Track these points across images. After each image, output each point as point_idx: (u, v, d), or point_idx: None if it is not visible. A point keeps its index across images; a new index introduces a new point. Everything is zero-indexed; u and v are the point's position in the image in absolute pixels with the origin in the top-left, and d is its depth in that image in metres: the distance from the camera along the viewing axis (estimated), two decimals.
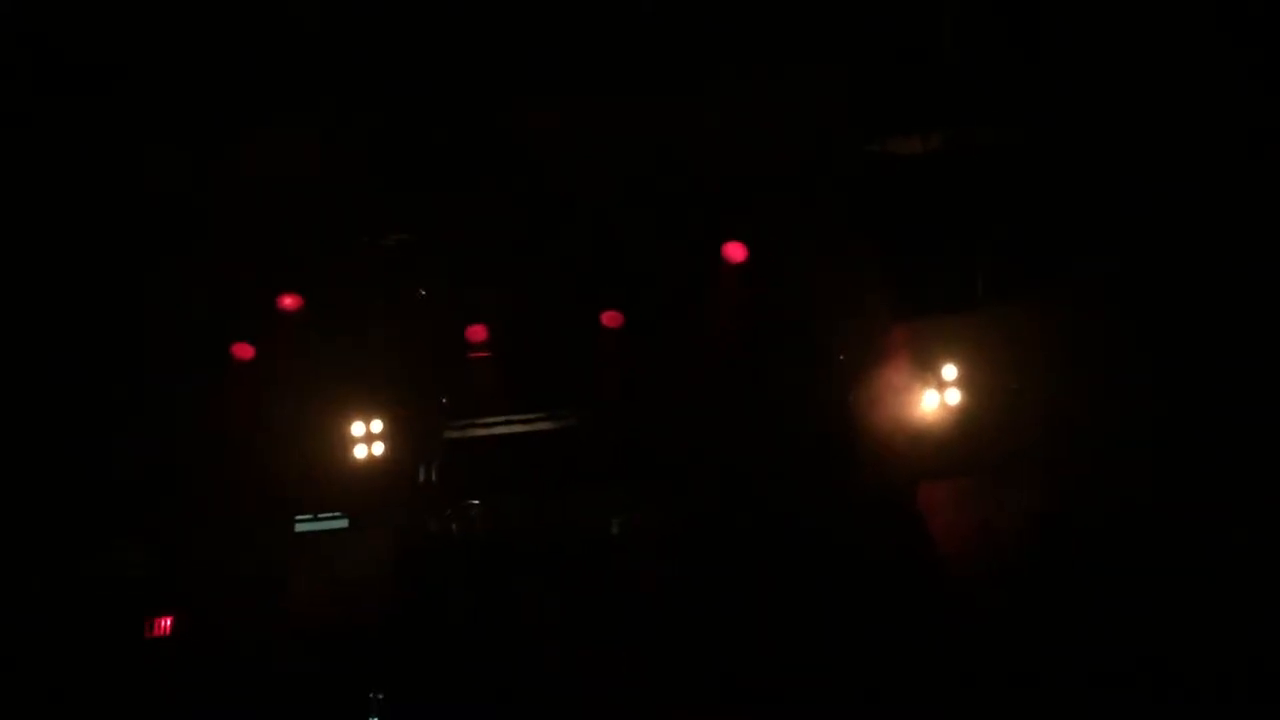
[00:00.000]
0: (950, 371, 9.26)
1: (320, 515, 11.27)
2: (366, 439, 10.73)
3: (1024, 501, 8.57)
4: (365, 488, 10.74)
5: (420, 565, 9.62)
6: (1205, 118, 7.37)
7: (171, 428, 9.90)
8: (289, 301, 9.57)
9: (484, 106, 8.11)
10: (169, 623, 9.92)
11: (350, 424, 10.70)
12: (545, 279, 9.89)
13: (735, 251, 9.18)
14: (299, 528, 11.00)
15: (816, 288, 9.49)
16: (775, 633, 8.85)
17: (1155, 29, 7.61)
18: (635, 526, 8.81)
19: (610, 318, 9.81)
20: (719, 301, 9.55)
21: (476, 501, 10.57)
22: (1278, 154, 7.09)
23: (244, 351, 9.97)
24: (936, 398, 9.27)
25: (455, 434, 11.37)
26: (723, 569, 9.51)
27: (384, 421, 10.72)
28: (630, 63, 8.00)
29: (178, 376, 9.99)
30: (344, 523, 11.10)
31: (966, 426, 9.13)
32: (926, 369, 9.25)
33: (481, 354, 10.47)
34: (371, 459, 10.73)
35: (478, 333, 10.09)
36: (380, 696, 6.44)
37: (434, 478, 11.27)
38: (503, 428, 11.25)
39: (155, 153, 8.19)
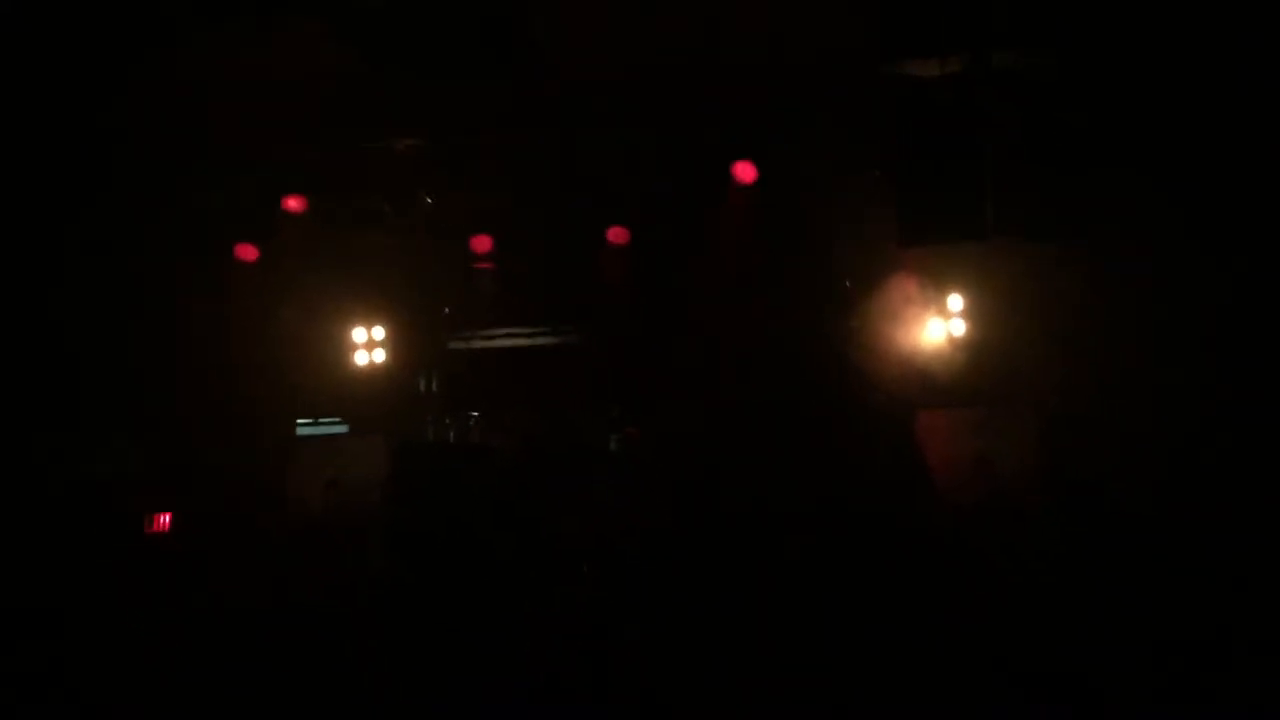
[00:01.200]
0: (956, 302, 9.21)
1: (320, 420, 11.34)
2: (368, 345, 10.75)
3: (1021, 438, 8.53)
4: (365, 394, 10.78)
5: (416, 473, 9.63)
6: (1233, 48, 7.19)
7: (174, 328, 9.87)
8: (294, 203, 9.49)
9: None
10: (168, 519, 9.97)
11: (352, 330, 10.71)
12: (553, 192, 9.79)
13: (745, 171, 9.06)
14: (299, 431, 11.07)
15: (826, 212, 9.40)
16: (765, 561, 8.88)
17: None
18: (634, 443, 8.79)
19: (616, 234, 9.72)
20: (727, 221, 9.46)
21: (476, 413, 10.59)
22: None
23: (248, 253, 9.91)
24: (941, 327, 9.23)
25: (457, 344, 11.38)
26: (719, 490, 9.52)
27: (386, 329, 10.72)
28: None
29: (182, 276, 9.96)
30: (344, 428, 11.16)
31: (969, 358, 9.10)
32: (933, 298, 9.20)
33: (486, 265, 10.42)
34: (372, 366, 10.76)
35: (483, 243, 10.01)
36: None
37: (434, 387, 11.30)
38: (505, 340, 11.25)
39: (156, 53, 8.04)
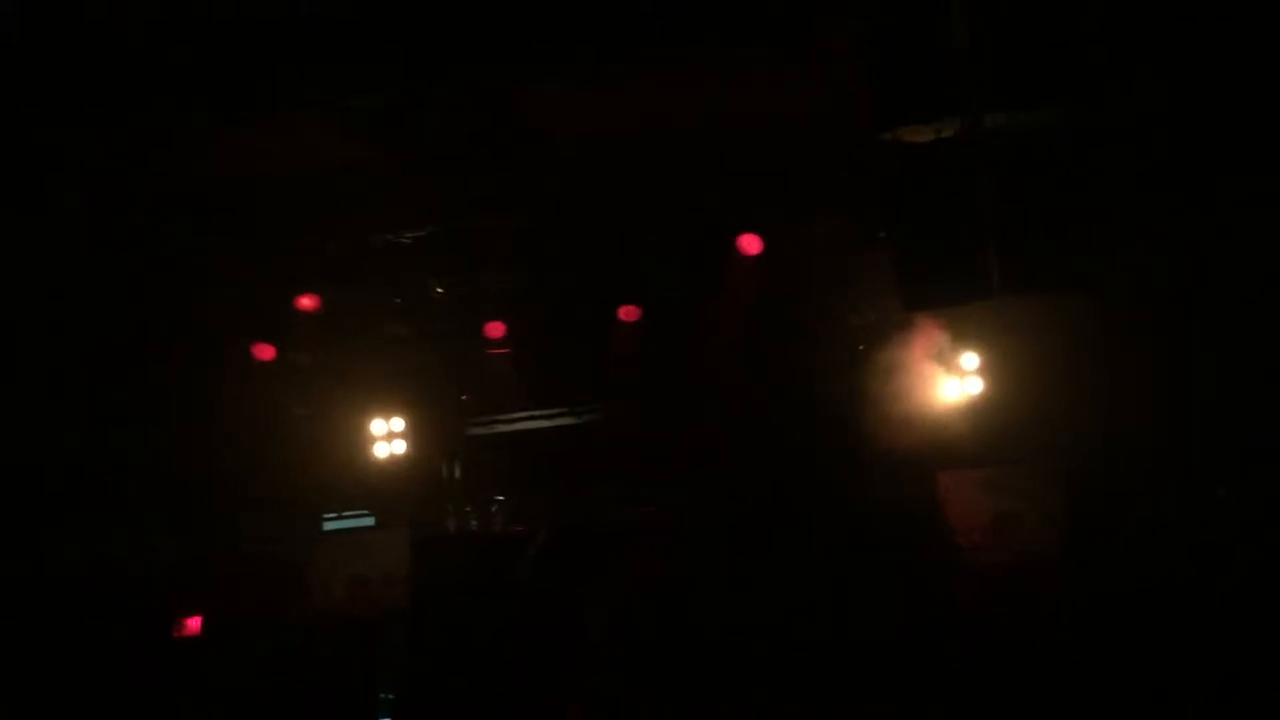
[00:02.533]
0: (970, 360, 9.18)
1: (345, 514, 11.38)
2: (388, 437, 10.79)
3: (1043, 495, 8.46)
4: (388, 485, 10.80)
5: (440, 562, 9.63)
6: (1225, 106, 7.21)
7: (196, 428, 9.97)
8: (307, 301, 9.60)
9: (495, 91, 8.03)
10: (198, 623, 10.01)
11: (371, 422, 10.77)
12: (562, 274, 9.87)
13: (750, 244, 9.10)
14: (325, 526, 11.11)
15: (833, 278, 9.42)
16: (793, 623, 8.80)
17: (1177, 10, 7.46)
18: (656, 520, 8.76)
19: (627, 312, 9.77)
20: (736, 294, 9.48)
21: (500, 498, 10.59)
22: None
23: (265, 352, 10.02)
24: (957, 387, 9.18)
25: (477, 430, 11.41)
26: (743, 562, 9.46)
27: (405, 419, 10.77)
28: (639, 47, 7.92)
29: (202, 377, 10.08)
30: (370, 520, 11.18)
31: (986, 417, 9.04)
32: (946, 358, 9.17)
33: (500, 350, 10.48)
34: (394, 457, 10.79)
35: (496, 329, 10.08)
36: (390, 697, 6.45)
37: (456, 474, 11.32)
38: (524, 423, 11.27)
39: (164, 151, 8.21)
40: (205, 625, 10.00)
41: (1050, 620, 7.83)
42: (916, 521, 8.74)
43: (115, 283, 9.46)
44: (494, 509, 10.40)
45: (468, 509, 10.51)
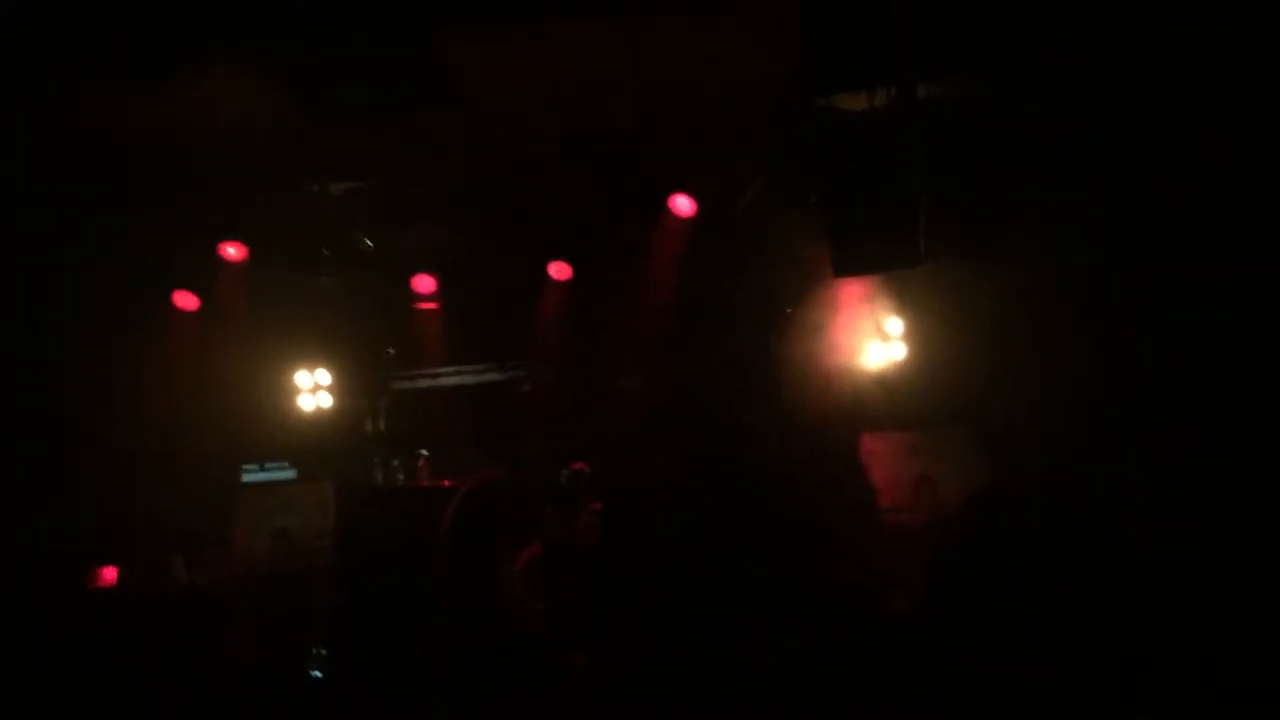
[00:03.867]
0: (895, 325, 9.35)
1: (267, 465, 11.27)
2: (313, 389, 10.72)
3: (963, 458, 8.68)
4: (312, 438, 10.74)
5: (366, 515, 9.59)
6: (1156, 77, 7.38)
7: (115, 379, 9.78)
8: (232, 250, 9.43)
9: (419, 43, 7.93)
10: (113, 574, 9.85)
11: (296, 374, 10.67)
12: (492, 231, 9.83)
13: (682, 205, 9.15)
14: (245, 478, 10.99)
15: (764, 241, 9.51)
16: (710, 582, 8.94)
17: None
18: (583, 478, 8.80)
19: (558, 269, 9.77)
20: (666, 254, 9.54)
21: (425, 452, 10.57)
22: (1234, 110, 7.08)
23: (187, 301, 9.84)
24: (882, 351, 9.36)
25: (402, 385, 11.36)
26: (662, 521, 9.57)
27: (330, 372, 10.69)
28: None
29: (121, 327, 9.88)
30: (291, 473, 11.09)
31: (909, 381, 9.24)
32: (872, 323, 9.33)
33: (428, 304, 10.44)
34: (318, 409, 10.72)
35: (425, 283, 10.02)
36: (322, 651, 6.45)
37: (381, 428, 11.28)
38: (450, 379, 11.26)
39: (90, 98, 8.00)
40: (121, 579, 9.85)
41: (967, 580, 8.05)
42: (839, 482, 8.91)
43: (32, 233, 9.21)
44: (419, 463, 10.36)
45: (395, 463, 10.47)
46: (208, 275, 9.73)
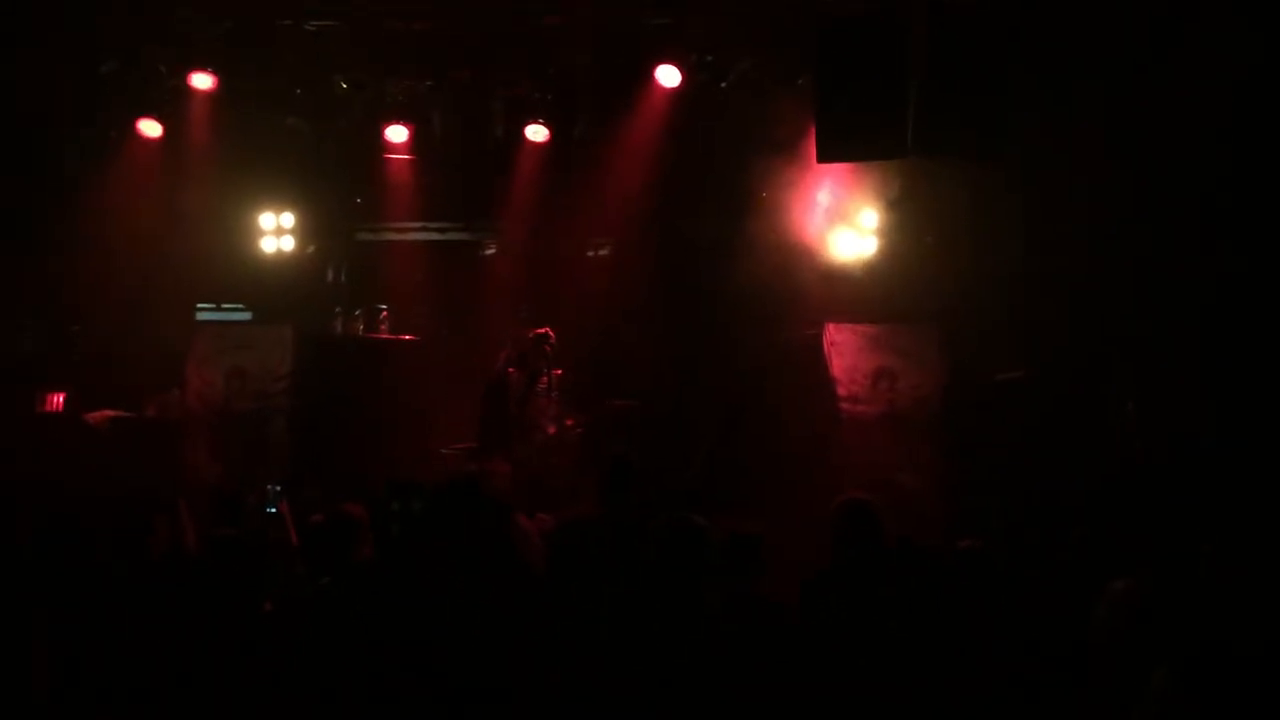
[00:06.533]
0: (870, 219, 9.34)
1: (223, 306, 11.13)
2: (276, 232, 10.53)
3: (922, 355, 8.77)
4: (271, 282, 10.59)
5: (324, 362, 9.54)
6: None
7: (73, 204, 9.52)
8: (201, 80, 9.11)
9: None
10: (61, 399, 9.73)
11: (260, 215, 10.47)
12: (472, 88, 9.59)
13: (668, 76, 8.97)
14: (200, 316, 10.86)
15: (747, 121, 9.39)
16: (670, 453, 9.06)
17: None
18: (545, 341, 8.78)
19: (535, 131, 9.59)
20: (646, 126, 9.39)
21: (384, 307, 10.48)
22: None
23: (151, 129, 9.54)
24: (854, 243, 9.36)
25: (366, 236, 11.22)
26: (629, 395, 9.63)
27: (295, 215, 10.51)
28: None
29: (84, 149, 9.59)
30: (247, 315, 10.98)
31: (879, 274, 9.27)
32: (848, 213, 9.31)
33: (400, 156, 10.22)
34: (280, 253, 10.56)
35: (398, 133, 9.79)
36: (278, 488, 6.47)
37: (343, 278, 11.16)
38: (417, 234, 11.12)
39: None
40: (68, 406, 9.74)
41: (917, 474, 8.23)
42: (801, 368, 8.99)
43: None
44: (381, 315, 10.29)
45: (355, 313, 10.39)
46: (175, 104, 9.39)
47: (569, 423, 8.81)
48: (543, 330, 8.78)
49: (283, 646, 4.28)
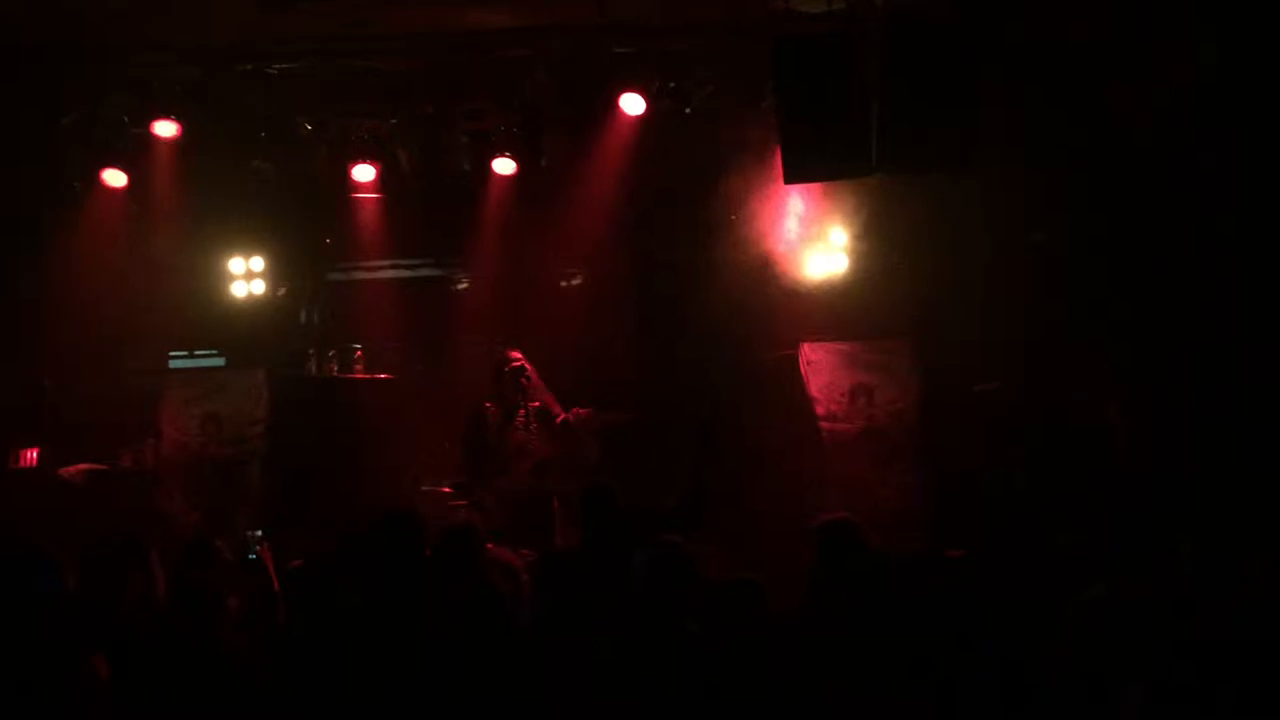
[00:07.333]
0: (840, 236, 9.37)
1: (196, 352, 11.06)
2: (246, 276, 10.50)
3: (898, 370, 8.80)
4: (243, 326, 10.55)
5: (298, 405, 9.49)
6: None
7: (40, 256, 9.47)
8: (164, 127, 9.09)
9: None
10: (35, 455, 9.65)
11: (229, 260, 10.44)
12: (435, 123, 9.60)
13: (632, 104, 9.00)
14: (173, 364, 10.79)
15: (713, 145, 9.42)
16: (647, 476, 9.02)
17: None
18: (523, 374, 8.75)
19: (503, 164, 9.59)
20: (613, 154, 9.40)
21: (359, 346, 10.45)
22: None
23: (116, 179, 9.50)
24: (825, 261, 9.38)
25: (337, 276, 11.18)
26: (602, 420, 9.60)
27: (264, 259, 10.47)
28: None
29: (50, 203, 9.54)
30: (220, 361, 10.91)
31: (851, 292, 9.28)
32: (817, 232, 9.34)
33: (368, 194, 10.22)
34: (251, 297, 10.52)
35: (364, 172, 9.77)
36: (259, 533, 6.41)
37: (315, 319, 11.11)
38: (387, 272, 11.10)
39: None
40: (43, 461, 9.65)
41: (898, 489, 8.25)
42: (778, 388, 9.00)
43: None
44: (356, 355, 10.25)
45: (330, 354, 10.35)
46: (139, 152, 9.36)
47: (549, 452, 8.77)
48: (517, 364, 8.73)
49: (259, 693, 4.22)
